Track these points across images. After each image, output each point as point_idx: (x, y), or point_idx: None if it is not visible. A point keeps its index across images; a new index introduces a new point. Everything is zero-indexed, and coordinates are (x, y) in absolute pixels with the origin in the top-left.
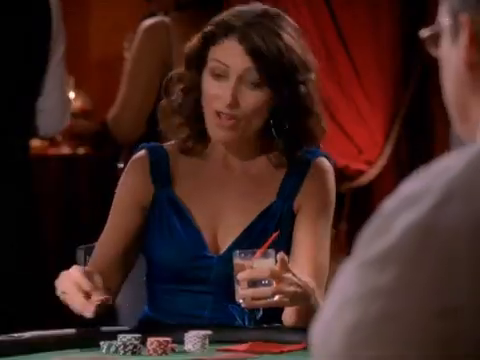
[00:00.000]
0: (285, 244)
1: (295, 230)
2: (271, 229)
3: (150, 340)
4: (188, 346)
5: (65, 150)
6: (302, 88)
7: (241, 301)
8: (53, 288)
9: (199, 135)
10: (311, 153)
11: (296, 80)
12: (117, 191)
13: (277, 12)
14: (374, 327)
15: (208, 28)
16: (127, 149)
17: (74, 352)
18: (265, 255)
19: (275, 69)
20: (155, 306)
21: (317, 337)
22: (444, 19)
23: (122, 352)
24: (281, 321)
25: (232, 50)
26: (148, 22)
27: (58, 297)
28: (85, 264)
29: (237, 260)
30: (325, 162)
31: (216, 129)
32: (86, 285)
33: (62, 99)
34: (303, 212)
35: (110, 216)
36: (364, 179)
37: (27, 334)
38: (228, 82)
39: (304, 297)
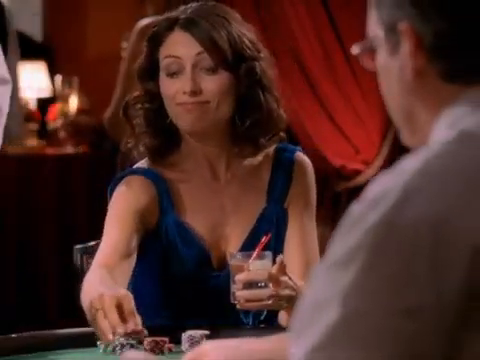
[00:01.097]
0: (282, 245)
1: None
2: (272, 234)
3: (147, 340)
4: (185, 346)
5: (63, 150)
6: (256, 65)
7: (236, 302)
8: (50, 286)
9: (171, 142)
10: (289, 151)
11: (250, 57)
12: (117, 202)
13: (215, 3)
14: (343, 329)
15: (151, 31)
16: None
17: (71, 352)
18: (261, 257)
19: (227, 48)
20: (155, 306)
21: (291, 340)
22: (377, 31)
23: (119, 352)
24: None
25: (180, 40)
26: (142, 23)
27: (59, 298)
28: (81, 264)
29: (234, 261)
30: (305, 158)
31: (184, 117)
32: (129, 308)
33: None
34: (291, 212)
35: (111, 226)
36: (361, 179)
37: (24, 334)
38: (184, 74)
39: (294, 300)
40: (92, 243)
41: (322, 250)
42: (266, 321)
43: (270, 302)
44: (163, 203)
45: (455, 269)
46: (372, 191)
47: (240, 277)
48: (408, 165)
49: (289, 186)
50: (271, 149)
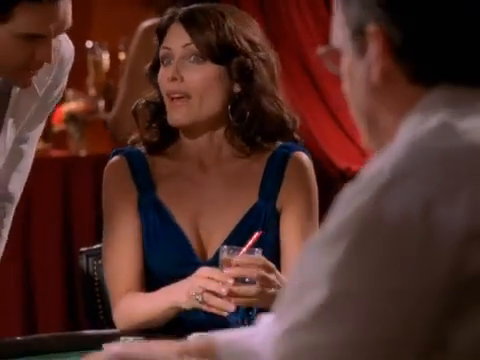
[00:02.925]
0: (271, 243)
1: (282, 233)
2: (258, 230)
3: None
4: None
5: (67, 152)
6: (249, 61)
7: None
8: (55, 289)
9: (169, 135)
10: (287, 148)
11: (241, 52)
12: (107, 203)
13: (221, 4)
14: (327, 308)
15: (157, 27)
16: None
17: (75, 355)
18: (251, 253)
19: (214, 39)
20: None
21: (277, 319)
22: (342, 33)
23: None
24: None
25: (174, 32)
26: (146, 23)
27: (63, 300)
28: (87, 267)
29: (224, 256)
30: (303, 156)
31: (170, 112)
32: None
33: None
34: (288, 213)
35: (112, 228)
36: None
37: (28, 337)
38: (173, 63)
39: None
40: (97, 246)
41: None
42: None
43: (256, 299)
44: (139, 179)
45: (443, 256)
46: (365, 172)
47: (231, 272)
48: (396, 147)
49: (281, 182)
50: (274, 147)
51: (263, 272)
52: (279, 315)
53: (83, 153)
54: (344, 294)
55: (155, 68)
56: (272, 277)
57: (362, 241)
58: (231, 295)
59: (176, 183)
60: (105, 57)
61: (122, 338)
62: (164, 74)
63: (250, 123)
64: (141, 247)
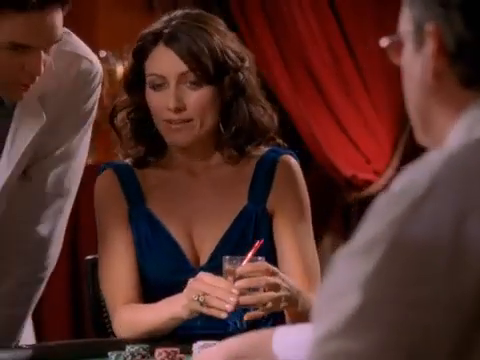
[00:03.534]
0: (265, 246)
1: (276, 237)
2: (249, 233)
3: (158, 351)
4: (196, 356)
5: None
6: (240, 75)
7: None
8: (60, 297)
9: (156, 149)
10: (275, 151)
11: (233, 68)
12: (100, 217)
13: (199, 11)
14: (360, 317)
15: (136, 45)
16: None
17: None
18: (253, 262)
19: (210, 64)
20: None
21: (313, 323)
22: (407, 27)
23: None
24: (273, 323)
25: (164, 57)
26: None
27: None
28: (92, 275)
29: (227, 266)
30: (291, 160)
31: (171, 135)
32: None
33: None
34: (280, 216)
35: (106, 243)
36: (372, 189)
37: (35, 345)
38: (168, 89)
39: (291, 299)
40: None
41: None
42: (255, 325)
43: (270, 305)
44: (128, 192)
45: (472, 268)
46: (397, 183)
47: (241, 284)
48: (433, 158)
49: (270, 185)
50: (261, 152)
51: (269, 278)
52: (316, 322)
53: (90, 161)
54: (376, 303)
55: (137, 86)
56: (278, 280)
57: (395, 251)
58: (243, 305)
59: (166, 193)
60: (119, 66)
61: (128, 346)
62: (159, 101)
63: (241, 133)
64: (135, 259)
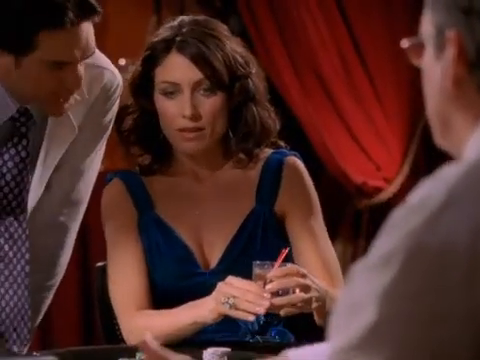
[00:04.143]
0: (273, 248)
1: (292, 237)
2: (257, 235)
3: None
4: None
5: None
6: (250, 82)
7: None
8: (69, 304)
9: (162, 156)
10: (280, 153)
11: (243, 75)
12: (108, 226)
13: (204, 18)
14: (376, 331)
15: (146, 52)
16: None
17: None
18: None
19: (223, 71)
20: None
21: (330, 336)
22: (428, 30)
23: None
24: (290, 327)
25: (177, 65)
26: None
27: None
28: (102, 282)
29: (257, 271)
30: (297, 161)
31: (183, 143)
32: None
33: None
34: (293, 218)
35: (115, 250)
36: (382, 196)
37: (45, 351)
38: (182, 97)
39: (320, 299)
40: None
41: (343, 267)
42: (266, 327)
43: (301, 305)
44: (137, 199)
45: None
46: (415, 196)
47: (273, 286)
48: (451, 171)
49: (278, 187)
50: (266, 154)
51: (300, 279)
52: (332, 335)
53: (102, 168)
54: (392, 317)
55: (144, 91)
56: (308, 282)
57: (411, 265)
58: (276, 308)
59: (174, 198)
60: None
61: (139, 353)
62: (173, 108)
63: (250, 137)
64: (145, 267)
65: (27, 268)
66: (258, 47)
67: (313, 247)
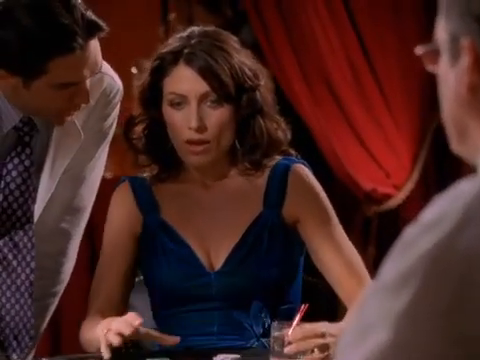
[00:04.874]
0: (279, 252)
1: (309, 243)
2: (264, 238)
3: None
4: None
5: None
6: (258, 94)
7: None
8: (77, 310)
9: (171, 166)
10: (287, 160)
11: (250, 87)
12: (107, 226)
13: (214, 29)
14: (391, 354)
15: (155, 62)
16: None
17: None
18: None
19: (230, 83)
20: (165, 333)
21: (338, 356)
22: (442, 37)
23: None
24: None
25: (185, 77)
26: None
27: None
28: None
29: (275, 333)
30: (303, 168)
31: (190, 156)
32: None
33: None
34: (307, 226)
35: (105, 250)
36: (392, 203)
37: (53, 358)
38: (189, 108)
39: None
40: None
41: None
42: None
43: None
44: (143, 203)
45: None
46: (427, 214)
47: (290, 350)
48: (466, 188)
49: (284, 192)
50: (274, 161)
51: (318, 340)
52: (339, 356)
53: (107, 175)
54: (409, 340)
55: (153, 101)
56: (327, 340)
57: (430, 286)
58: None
59: (179, 202)
60: None
61: (148, 359)
62: (180, 120)
63: (257, 149)
64: (130, 273)
65: (32, 276)
66: (269, 57)
67: (336, 254)
